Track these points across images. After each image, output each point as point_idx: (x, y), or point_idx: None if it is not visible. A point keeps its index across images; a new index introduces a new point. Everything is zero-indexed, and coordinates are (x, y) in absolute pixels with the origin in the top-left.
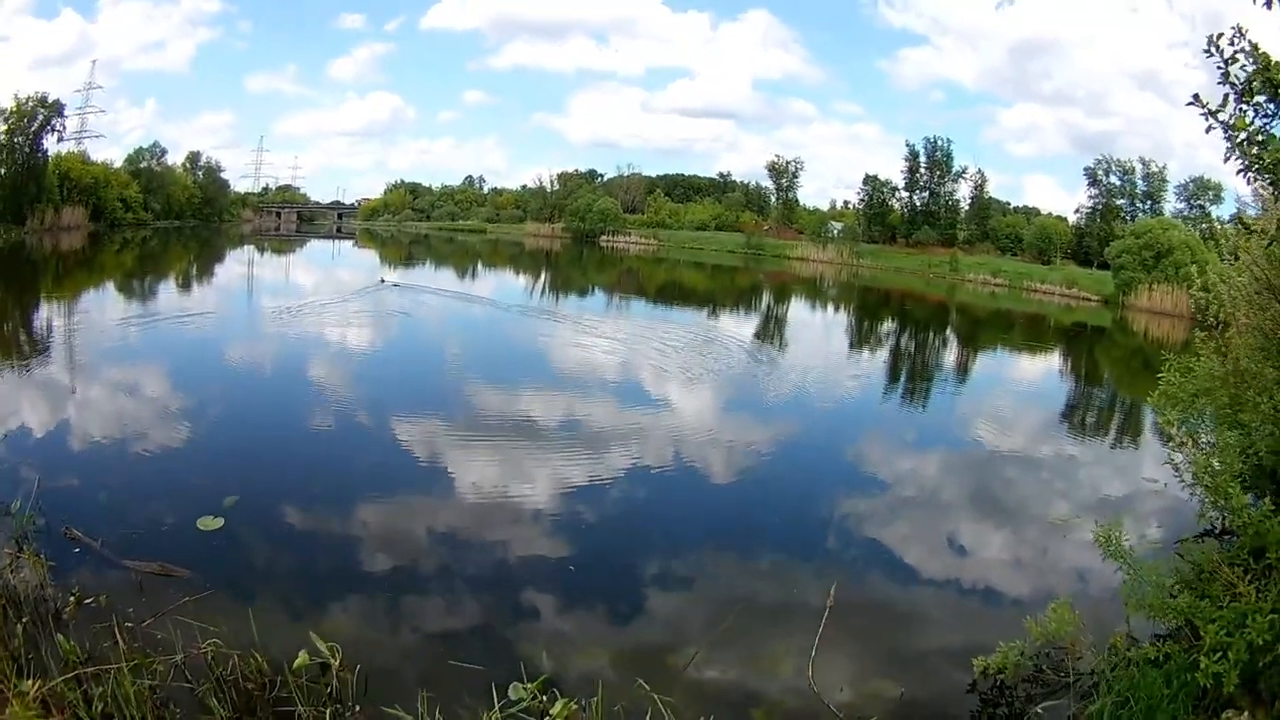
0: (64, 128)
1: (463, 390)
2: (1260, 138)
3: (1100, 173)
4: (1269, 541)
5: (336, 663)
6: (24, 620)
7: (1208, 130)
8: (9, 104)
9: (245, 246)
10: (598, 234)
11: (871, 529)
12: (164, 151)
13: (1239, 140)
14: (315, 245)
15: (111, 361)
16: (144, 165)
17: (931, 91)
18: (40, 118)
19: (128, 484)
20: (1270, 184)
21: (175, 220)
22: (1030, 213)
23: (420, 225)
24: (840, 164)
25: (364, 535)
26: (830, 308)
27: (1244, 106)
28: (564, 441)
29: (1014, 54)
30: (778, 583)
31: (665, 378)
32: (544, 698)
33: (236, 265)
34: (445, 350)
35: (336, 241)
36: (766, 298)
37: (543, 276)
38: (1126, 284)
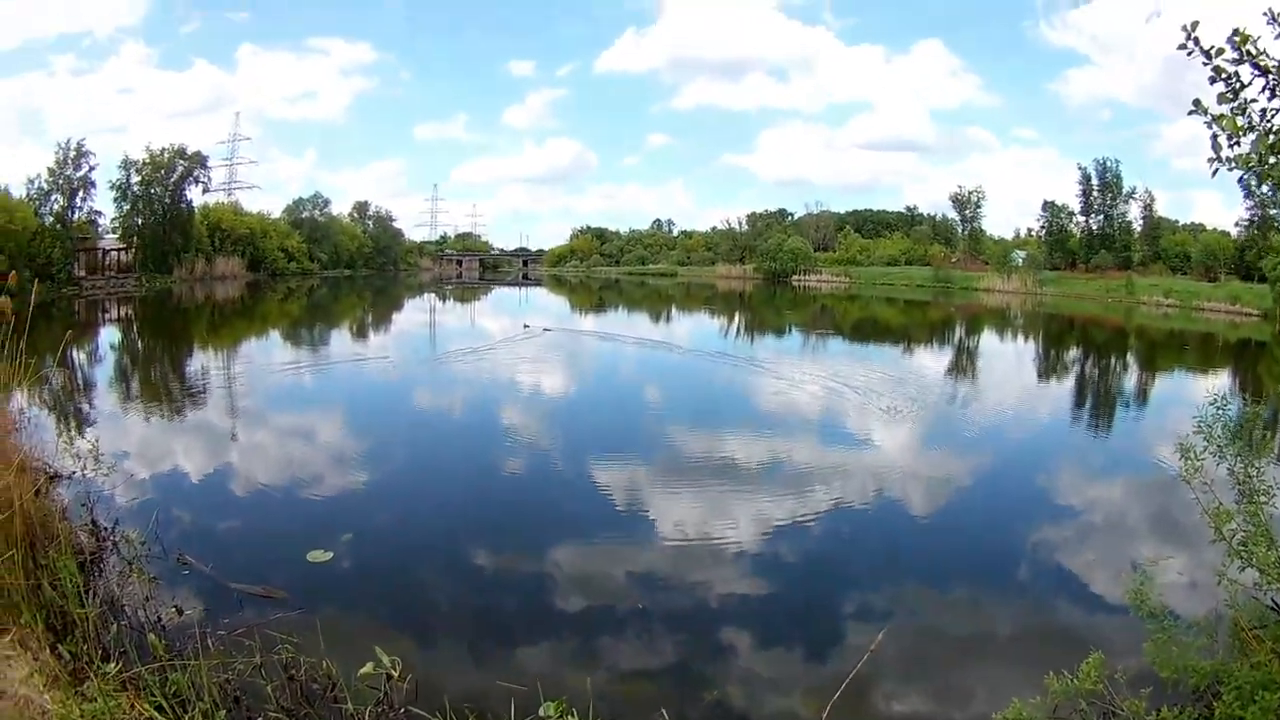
0: (209, 179)
1: (645, 438)
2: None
3: (1252, 184)
4: None
5: (396, 673)
6: (122, 623)
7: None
8: (142, 155)
9: (425, 295)
10: (789, 274)
11: (966, 568)
12: (327, 201)
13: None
14: (501, 292)
15: (264, 403)
16: (305, 215)
17: (1099, 110)
18: (180, 169)
19: (257, 517)
20: None
21: (346, 270)
22: (1197, 229)
23: (610, 270)
24: (1021, 189)
25: (457, 571)
26: (1020, 338)
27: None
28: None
29: (1166, 67)
30: (824, 622)
31: (864, 416)
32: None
33: (417, 313)
34: (628, 397)
35: (523, 289)
36: (960, 331)
37: (736, 318)
38: None
